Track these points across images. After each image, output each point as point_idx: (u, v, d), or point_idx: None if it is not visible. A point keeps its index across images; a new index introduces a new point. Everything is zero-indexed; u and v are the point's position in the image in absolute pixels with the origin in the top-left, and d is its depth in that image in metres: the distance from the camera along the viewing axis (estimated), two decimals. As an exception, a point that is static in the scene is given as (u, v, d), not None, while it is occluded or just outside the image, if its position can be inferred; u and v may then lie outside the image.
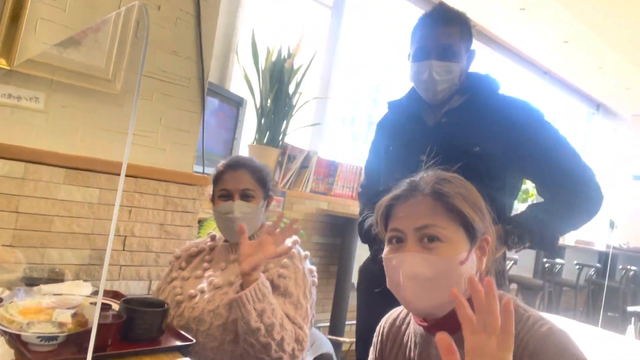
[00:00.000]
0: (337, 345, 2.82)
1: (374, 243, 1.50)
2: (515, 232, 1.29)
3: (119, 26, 1.69)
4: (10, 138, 1.51)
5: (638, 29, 4.51)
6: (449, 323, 0.79)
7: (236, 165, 1.42)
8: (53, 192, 1.57)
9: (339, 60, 3.88)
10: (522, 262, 4.62)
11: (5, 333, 1.01)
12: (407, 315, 0.94)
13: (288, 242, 1.34)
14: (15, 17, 1.47)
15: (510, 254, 4.39)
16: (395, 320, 0.96)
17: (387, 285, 0.84)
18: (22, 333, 1.00)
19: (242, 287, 1.17)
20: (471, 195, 0.84)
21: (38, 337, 0.99)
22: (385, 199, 0.87)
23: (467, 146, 1.33)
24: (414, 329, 0.89)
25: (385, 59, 4.51)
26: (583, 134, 7.41)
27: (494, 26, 4.91)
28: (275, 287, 1.26)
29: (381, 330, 0.98)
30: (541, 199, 1.43)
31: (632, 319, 3.20)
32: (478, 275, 0.82)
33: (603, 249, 6.15)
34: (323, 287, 3.19)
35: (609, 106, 7.34)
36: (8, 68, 1.47)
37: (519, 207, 6.27)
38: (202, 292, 1.33)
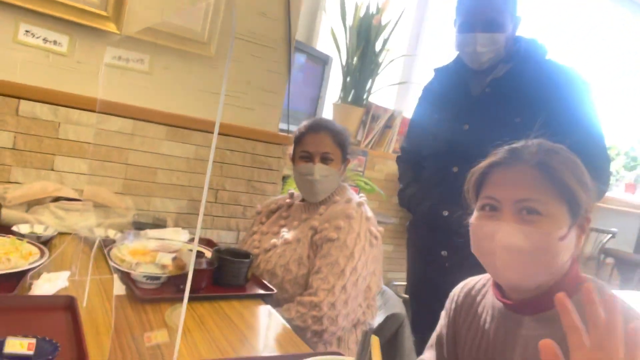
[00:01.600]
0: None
1: (415, 210, 1.58)
2: None
3: (214, -10, 1.77)
4: (120, 97, 1.68)
5: None
6: (533, 305, 0.79)
7: (317, 127, 1.45)
8: (157, 147, 1.75)
9: (429, 16, 3.71)
10: (621, 235, 4.29)
11: (118, 270, 1.18)
12: (483, 287, 0.94)
13: (355, 201, 1.39)
14: (124, -15, 1.60)
15: (610, 226, 4.10)
16: (470, 290, 0.96)
17: (473, 251, 0.84)
18: (132, 272, 1.16)
19: None
20: (578, 169, 0.79)
21: (144, 276, 1.15)
22: (482, 165, 0.85)
23: (509, 117, 1.34)
24: (491, 301, 0.88)
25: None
26: None
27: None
28: (320, 248, 1.32)
29: (455, 298, 0.98)
30: None
31: None
32: (573, 257, 0.79)
33: None
34: (401, 247, 3.24)
35: None
36: (118, 33, 1.62)
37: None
38: (275, 246, 1.41)
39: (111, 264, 1.19)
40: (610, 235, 4.13)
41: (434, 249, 1.52)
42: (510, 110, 1.37)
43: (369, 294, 1.36)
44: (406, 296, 2.93)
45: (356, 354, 0.78)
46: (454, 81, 1.54)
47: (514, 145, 0.83)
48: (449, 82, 1.55)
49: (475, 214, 0.84)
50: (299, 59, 2.74)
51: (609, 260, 4.52)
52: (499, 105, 1.40)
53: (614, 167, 5.50)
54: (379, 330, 1.35)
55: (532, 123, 1.27)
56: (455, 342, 0.95)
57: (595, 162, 1.27)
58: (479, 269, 1.29)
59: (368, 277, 1.34)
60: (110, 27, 1.60)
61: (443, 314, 1.02)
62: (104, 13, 1.59)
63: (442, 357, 0.99)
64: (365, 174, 3.05)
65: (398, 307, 1.46)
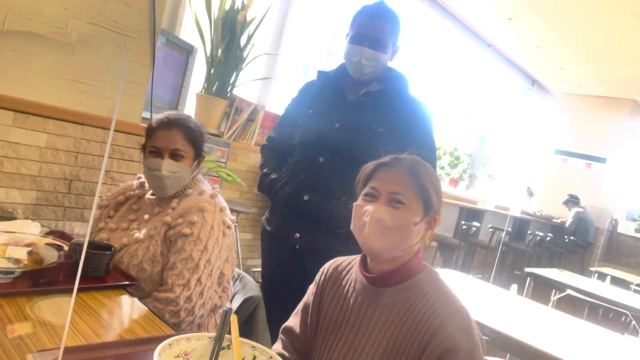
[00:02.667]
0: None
1: (274, 196, 1.74)
2: None
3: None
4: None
5: (577, 13, 4.83)
6: (389, 277, 1.03)
7: (169, 124, 1.43)
8: (2, 134, 1.63)
9: (293, 14, 3.91)
10: (443, 222, 5.07)
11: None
12: (349, 264, 1.16)
13: (208, 193, 1.44)
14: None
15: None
16: (338, 266, 1.17)
17: (352, 228, 1.08)
18: (-19, 266, 1.11)
19: None
20: (436, 180, 1.07)
21: (-4, 271, 1.12)
22: (372, 164, 1.09)
23: (375, 126, 1.62)
24: (354, 276, 1.11)
25: (342, 11, 4.56)
26: (518, 105, 7.90)
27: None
28: (174, 244, 1.36)
29: (325, 271, 1.18)
30: None
31: (528, 278, 3.68)
32: (420, 244, 1.06)
33: (518, 214, 6.79)
34: (259, 235, 3.41)
35: (543, 83, 7.83)
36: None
37: (450, 171, 6.72)
38: (126, 246, 1.40)
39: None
40: (435, 223, 4.83)
41: (287, 232, 1.67)
42: (376, 120, 1.63)
43: (223, 279, 1.45)
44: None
45: (216, 331, 0.90)
46: (333, 85, 1.73)
47: (397, 155, 1.10)
48: (329, 85, 1.74)
49: (359, 199, 1.08)
50: (162, 47, 2.71)
51: (434, 243, 5.30)
52: (368, 114, 1.64)
53: (442, 164, 6.48)
54: (237, 312, 1.48)
55: (391, 134, 1.62)
56: (319, 309, 1.13)
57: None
58: (325, 253, 1.52)
59: (221, 266, 1.42)
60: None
61: (312, 285, 1.20)
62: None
63: (305, 323, 1.16)
64: (227, 165, 3.14)
65: (255, 290, 1.61)
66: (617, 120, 7.59)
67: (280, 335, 1.20)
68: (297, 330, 1.16)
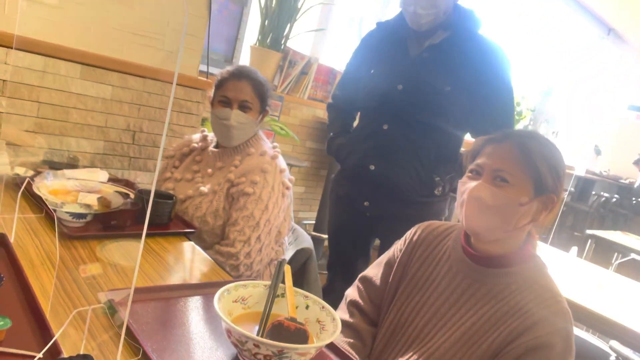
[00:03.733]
0: (318, 241, 3.14)
1: (342, 163, 1.70)
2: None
3: None
4: (29, 31, 1.60)
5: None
6: (493, 260, 0.97)
7: (240, 75, 1.47)
8: (70, 85, 1.71)
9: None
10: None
11: (49, 207, 1.21)
12: (446, 231, 1.12)
13: (269, 154, 1.48)
14: None
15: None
16: (434, 230, 1.14)
17: (455, 204, 1.03)
18: (58, 209, 1.20)
19: None
20: (553, 158, 0.97)
21: (70, 215, 1.20)
22: (481, 139, 1.03)
23: (441, 85, 1.49)
24: (452, 246, 1.07)
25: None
26: (590, 56, 7.31)
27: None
28: (237, 201, 1.40)
29: (419, 232, 1.15)
30: None
31: (589, 240, 3.53)
32: (531, 224, 0.98)
33: (582, 174, 6.44)
34: (312, 189, 3.46)
35: (620, 32, 7.17)
36: (25, -37, 1.53)
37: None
38: (191, 197, 1.45)
39: (46, 199, 1.21)
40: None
41: (357, 199, 1.64)
42: (442, 77, 1.49)
43: (279, 237, 1.50)
44: (315, 233, 3.18)
45: (271, 279, 0.93)
46: (394, 38, 1.60)
47: (508, 130, 1.03)
48: (390, 38, 1.62)
49: (465, 175, 1.03)
50: (217, -2, 2.70)
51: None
52: (432, 72, 1.50)
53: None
54: (290, 262, 1.53)
55: (460, 91, 1.48)
56: (405, 266, 1.12)
57: (504, 120, 1.53)
58: (396, 222, 1.51)
59: (280, 225, 1.47)
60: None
61: (400, 241, 1.18)
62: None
63: (386, 276, 1.14)
64: (280, 118, 3.16)
65: (307, 242, 1.65)
66: (703, 73, 6.88)
67: (358, 283, 1.19)
68: (377, 282, 1.15)
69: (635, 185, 6.70)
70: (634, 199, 6.59)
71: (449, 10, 1.51)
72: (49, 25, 1.65)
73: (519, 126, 6.41)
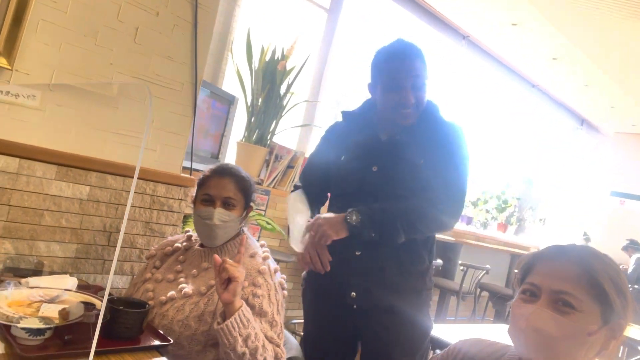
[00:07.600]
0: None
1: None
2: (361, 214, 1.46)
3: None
4: (6, 134, 1.57)
5: (624, 51, 4.65)
6: None
7: (222, 172, 1.46)
8: (45, 187, 1.64)
9: (332, 62, 3.95)
10: (494, 270, 4.78)
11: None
12: (496, 353, 0.97)
13: (259, 257, 1.41)
14: (18, 19, 1.52)
15: (482, 264, 4.54)
16: (484, 349, 0.99)
17: (508, 330, 0.90)
18: (12, 324, 1.07)
19: (226, 315, 1.19)
20: (619, 279, 0.85)
21: (26, 332, 1.07)
22: (531, 254, 0.93)
23: (414, 159, 1.52)
24: None
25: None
26: (567, 146, 7.58)
27: (487, 39, 5.02)
28: (250, 307, 1.29)
29: (463, 350, 1.01)
30: None
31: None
32: (601, 354, 0.86)
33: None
34: (299, 286, 3.30)
35: (593, 122, 7.52)
36: (9, 68, 1.53)
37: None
38: (173, 299, 1.36)
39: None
40: (484, 272, 4.56)
41: (341, 291, 1.55)
42: (415, 153, 1.53)
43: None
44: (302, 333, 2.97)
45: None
46: (362, 126, 1.64)
47: (561, 244, 0.91)
48: (357, 126, 1.65)
49: (516, 296, 0.91)
50: (204, 98, 2.75)
51: (484, 294, 4.98)
52: (406, 149, 1.54)
53: (489, 206, 6.21)
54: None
55: (431, 164, 1.52)
56: None
57: (454, 196, 1.55)
58: (386, 315, 1.46)
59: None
60: (1, 62, 1.51)
61: (438, 357, 1.06)
62: (-7, 46, 1.50)
63: None
64: (267, 212, 3.10)
65: (295, 350, 1.50)
66: (677, 158, 7.13)
67: None
68: None
69: (629, 272, 6.60)
70: (630, 286, 6.45)
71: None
72: (28, 127, 1.62)
73: (505, 214, 6.43)
